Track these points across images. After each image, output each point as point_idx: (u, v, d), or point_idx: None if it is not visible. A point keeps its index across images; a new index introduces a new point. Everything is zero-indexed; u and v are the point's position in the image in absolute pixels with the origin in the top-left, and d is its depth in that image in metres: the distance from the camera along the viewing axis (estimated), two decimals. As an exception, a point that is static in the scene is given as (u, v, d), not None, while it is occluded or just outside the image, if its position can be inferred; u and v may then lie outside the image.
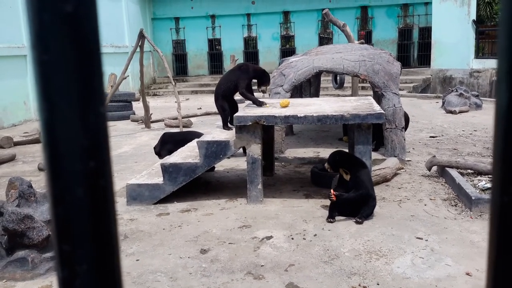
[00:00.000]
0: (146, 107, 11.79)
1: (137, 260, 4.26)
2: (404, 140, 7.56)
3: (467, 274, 3.80)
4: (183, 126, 10.79)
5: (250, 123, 5.52)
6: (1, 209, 4.07)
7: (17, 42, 13.57)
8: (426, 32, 21.72)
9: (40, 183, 6.84)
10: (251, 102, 6.40)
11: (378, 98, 7.64)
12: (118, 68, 13.02)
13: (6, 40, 13.05)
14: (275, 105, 6.33)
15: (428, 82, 19.18)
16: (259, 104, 6.29)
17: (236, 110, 6.38)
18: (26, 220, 3.98)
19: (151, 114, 12.15)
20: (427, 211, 5.25)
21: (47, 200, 4.24)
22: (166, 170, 5.74)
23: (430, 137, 9.46)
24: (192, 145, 6.47)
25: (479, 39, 17.97)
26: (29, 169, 7.96)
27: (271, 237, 4.68)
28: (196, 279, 3.87)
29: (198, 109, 14.74)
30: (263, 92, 6.50)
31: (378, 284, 3.68)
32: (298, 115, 5.55)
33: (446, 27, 17.69)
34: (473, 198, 5.14)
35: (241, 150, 5.94)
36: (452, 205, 5.41)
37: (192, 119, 12.49)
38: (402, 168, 6.93)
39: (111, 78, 13.79)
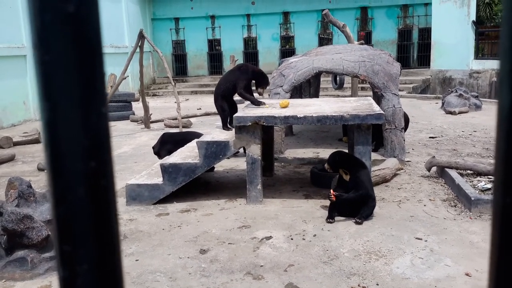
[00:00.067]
0: (146, 108, 11.79)
1: (137, 260, 4.26)
2: (404, 140, 7.56)
3: (467, 274, 3.80)
4: (183, 127, 10.78)
5: (250, 124, 5.52)
6: (1, 209, 4.06)
7: (17, 42, 13.56)
8: (425, 33, 21.73)
9: (39, 183, 6.83)
10: (250, 102, 6.41)
11: (378, 98, 7.64)
12: (118, 68, 13.02)
13: (6, 40, 13.05)
14: (275, 106, 6.33)
15: (427, 82, 19.19)
16: (258, 104, 6.29)
17: (236, 110, 6.39)
18: (26, 220, 3.98)
19: (151, 114, 12.15)
20: (426, 212, 5.25)
21: (46, 200, 4.25)
22: (166, 170, 5.73)
23: (430, 137, 9.46)
24: (192, 145, 6.47)
25: (479, 40, 17.99)
26: (29, 169, 7.95)
27: (270, 237, 4.68)
28: (195, 279, 3.86)
29: (197, 109, 14.74)
30: (260, 94, 6.49)
31: (377, 285, 3.68)
32: (298, 116, 5.55)
33: (446, 28, 17.70)
34: (472, 198, 5.14)
35: (242, 150, 5.94)
36: (451, 206, 5.41)
37: (192, 120, 12.49)
38: (402, 169, 6.93)
39: (111, 78, 13.79)
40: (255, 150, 5.59)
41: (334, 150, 5.84)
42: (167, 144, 7.16)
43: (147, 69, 19.99)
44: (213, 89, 7.26)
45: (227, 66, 20.67)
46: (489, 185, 5.71)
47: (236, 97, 6.69)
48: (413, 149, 8.37)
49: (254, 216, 5.28)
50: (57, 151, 0.44)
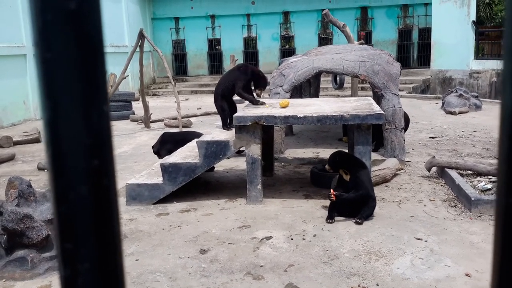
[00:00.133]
0: (146, 107, 11.79)
1: (137, 260, 4.26)
2: (404, 140, 7.56)
3: (467, 275, 3.80)
4: (183, 126, 10.78)
5: (250, 123, 5.52)
6: (1, 209, 4.06)
7: (17, 41, 13.56)
8: (426, 33, 21.73)
9: (39, 182, 6.83)
10: (248, 102, 6.42)
11: (378, 98, 7.64)
12: (118, 68, 13.02)
13: (6, 39, 13.04)
14: (275, 106, 6.33)
15: (427, 82, 19.19)
16: (256, 103, 6.30)
17: (235, 110, 6.39)
18: (26, 220, 3.98)
19: (151, 114, 12.15)
20: (426, 212, 5.25)
21: (46, 199, 4.25)
22: (166, 170, 5.73)
23: (430, 137, 9.46)
24: (192, 145, 6.47)
25: (479, 40, 17.99)
26: (29, 169, 7.95)
27: (270, 237, 4.67)
28: (195, 279, 3.86)
29: (197, 109, 14.74)
30: (258, 95, 6.48)
31: (377, 285, 3.67)
32: (298, 116, 5.55)
33: (446, 28, 17.70)
34: (472, 199, 5.14)
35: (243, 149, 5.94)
36: (451, 206, 5.41)
37: (192, 119, 12.49)
38: (402, 169, 6.93)
39: (111, 78, 13.80)
40: (255, 150, 5.59)
41: (334, 150, 5.84)
42: (167, 143, 7.16)
43: (147, 69, 19.99)
44: (213, 88, 7.26)
45: (227, 65, 20.67)
46: (489, 186, 5.71)
47: (236, 97, 6.70)
48: (413, 149, 8.37)
49: (254, 216, 5.28)
50: (58, 150, 0.44)
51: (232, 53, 20.40)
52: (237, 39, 23.71)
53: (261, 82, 6.43)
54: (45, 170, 7.57)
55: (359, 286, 3.67)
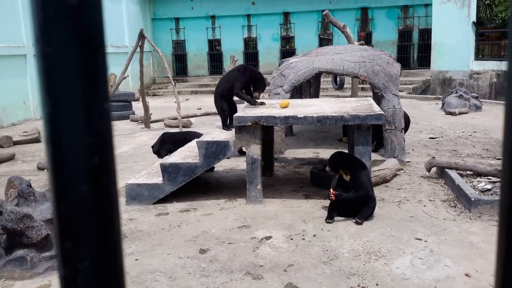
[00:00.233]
0: (146, 107, 11.78)
1: (136, 259, 4.26)
2: (404, 141, 7.56)
3: (466, 275, 3.80)
4: (183, 126, 10.78)
5: (250, 124, 5.52)
6: (0, 208, 4.06)
7: (17, 41, 13.55)
8: (426, 34, 21.73)
9: (39, 182, 6.83)
10: (246, 102, 6.42)
11: (378, 99, 7.64)
12: (118, 68, 13.02)
13: (6, 39, 13.04)
14: (275, 106, 6.33)
15: (428, 83, 19.19)
16: (253, 103, 6.30)
17: (235, 110, 6.40)
18: (25, 219, 3.98)
19: (151, 114, 12.14)
20: (426, 212, 5.25)
21: (46, 199, 4.24)
22: (166, 170, 5.73)
23: (430, 138, 9.46)
24: (192, 145, 6.47)
25: (479, 41, 17.98)
26: (28, 169, 7.95)
27: (270, 237, 4.67)
28: (195, 279, 3.86)
29: (197, 109, 14.73)
30: (256, 97, 6.46)
31: (377, 285, 3.67)
32: (298, 116, 5.55)
33: (446, 28, 17.70)
34: (472, 199, 5.14)
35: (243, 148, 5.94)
36: (451, 206, 5.41)
37: (192, 119, 12.49)
38: (402, 169, 6.93)
39: (111, 78, 13.79)
40: (255, 150, 5.59)
41: (334, 150, 5.83)
42: (167, 143, 7.17)
43: (147, 69, 19.99)
44: (213, 89, 7.26)
45: (227, 66, 20.68)
46: (489, 186, 5.71)
47: (236, 98, 6.70)
48: (413, 150, 8.36)
49: (254, 216, 5.27)
50: (58, 148, 0.44)
51: (232, 53, 20.40)
52: (237, 40, 23.70)
53: (259, 84, 6.43)
54: (45, 170, 7.57)
55: (358, 286, 3.67)
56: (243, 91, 6.41)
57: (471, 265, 3.95)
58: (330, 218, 5.01)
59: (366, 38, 22.01)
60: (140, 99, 12.21)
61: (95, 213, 0.45)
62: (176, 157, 6.06)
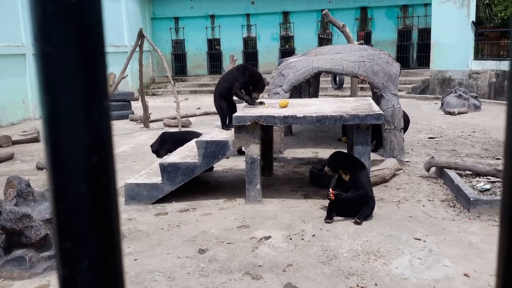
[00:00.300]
0: (145, 107, 11.78)
1: (135, 259, 4.25)
2: (403, 141, 7.56)
3: (465, 275, 3.80)
4: (182, 126, 10.78)
5: (249, 123, 5.51)
6: (-1, 208, 4.05)
7: (16, 40, 13.54)
8: (425, 33, 21.74)
9: (38, 182, 6.82)
10: (245, 102, 6.41)
11: (377, 99, 7.64)
12: (117, 67, 13.01)
13: (5, 38, 13.02)
14: (274, 105, 6.33)
15: (427, 83, 19.20)
16: (252, 103, 6.29)
17: (235, 110, 6.39)
18: (24, 219, 3.97)
19: (150, 113, 12.14)
20: (425, 212, 5.25)
21: (45, 199, 4.24)
22: (165, 169, 5.73)
23: (429, 138, 9.46)
24: (191, 144, 6.46)
25: (478, 40, 18.00)
26: (27, 168, 7.94)
27: (269, 237, 4.67)
28: (194, 279, 3.86)
29: (197, 109, 14.73)
30: (255, 98, 6.43)
31: (376, 285, 3.67)
32: (297, 116, 5.55)
33: (446, 28, 17.71)
34: (471, 199, 5.14)
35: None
36: (450, 206, 5.41)
37: (191, 119, 12.48)
38: (401, 169, 6.93)
39: (110, 77, 13.79)
40: (254, 149, 5.59)
41: (333, 150, 5.84)
42: (166, 143, 7.16)
43: (146, 69, 19.97)
44: (213, 88, 7.26)
45: (227, 65, 20.66)
46: (488, 186, 5.71)
47: (236, 97, 6.70)
48: (412, 150, 8.37)
49: (253, 216, 5.27)
50: (57, 147, 0.43)
51: (232, 53, 20.39)
52: (237, 39, 23.70)
53: (258, 84, 6.41)
54: (44, 170, 7.56)
55: (357, 286, 3.66)
56: (242, 91, 6.40)
57: (470, 265, 3.95)
58: (329, 218, 5.01)
59: (366, 38, 22.01)
60: (139, 99, 12.20)
61: (95, 213, 0.45)
62: (175, 156, 6.06)
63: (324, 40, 22.97)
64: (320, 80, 12.24)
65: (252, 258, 4.19)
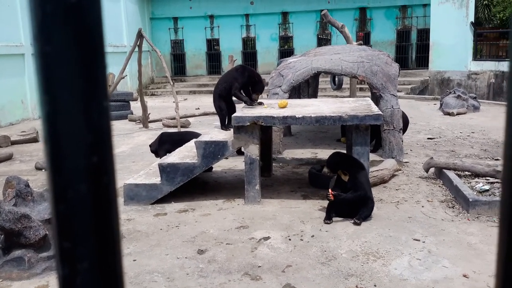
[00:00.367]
0: (144, 107, 11.77)
1: (134, 260, 4.25)
2: (402, 141, 7.56)
3: (464, 276, 3.80)
4: (181, 126, 10.77)
5: (248, 124, 5.51)
6: (-2, 208, 4.05)
7: (15, 40, 13.53)
8: (424, 34, 21.76)
9: (37, 182, 6.82)
10: (243, 103, 6.41)
11: (376, 99, 7.64)
12: (116, 67, 13.01)
13: (4, 38, 13.02)
14: (273, 106, 6.33)
15: (426, 83, 19.21)
16: (251, 104, 6.29)
17: (234, 110, 6.39)
18: (23, 220, 3.97)
19: (149, 114, 12.13)
20: (424, 213, 5.25)
21: (44, 199, 4.23)
22: (164, 170, 5.72)
23: (428, 138, 9.46)
24: (190, 145, 6.46)
25: (477, 41, 18.01)
26: (26, 168, 7.93)
27: (268, 238, 4.67)
28: (193, 279, 3.86)
29: (196, 109, 14.72)
30: (255, 99, 6.41)
31: (375, 286, 3.67)
32: (296, 116, 5.55)
33: (444, 29, 17.72)
34: (470, 200, 5.14)
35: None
36: (449, 207, 5.41)
37: (190, 119, 12.48)
38: (400, 170, 6.93)
39: (109, 77, 13.77)
40: (253, 150, 5.59)
41: (333, 150, 5.84)
42: (166, 143, 7.16)
43: (145, 69, 19.97)
44: (212, 89, 7.25)
45: (226, 66, 20.66)
46: (487, 187, 5.71)
47: (235, 98, 6.69)
48: (411, 150, 8.37)
49: (252, 217, 5.27)
50: (57, 147, 0.43)
51: (231, 53, 20.39)
52: (236, 39, 23.71)
53: (258, 86, 6.40)
54: (43, 170, 7.56)
55: (356, 287, 3.66)
56: (242, 91, 6.40)
57: (469, 266, 3.95)
58: (328, 219, 5.01)
59: (365, 38, 22.02)
60: (138, 99, 12.19)
61: (94, 213, 0.45)
62: (174, 157, 6.06)
63: (323, 40, 22.98)
64: (319, 80, 12.24)
65: (251, 259, 4.19)
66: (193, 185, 6.24)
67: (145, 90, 17.51)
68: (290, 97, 7.91)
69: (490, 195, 5.52)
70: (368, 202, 5.02)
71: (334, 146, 8.57)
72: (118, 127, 12.02)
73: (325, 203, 5.19)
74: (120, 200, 5.79)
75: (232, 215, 5.36)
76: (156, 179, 5.82)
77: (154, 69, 23.45)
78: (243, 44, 23.93)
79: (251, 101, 6.32)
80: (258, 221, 5.13)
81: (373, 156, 7.16)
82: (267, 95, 8.16)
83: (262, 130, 5.96)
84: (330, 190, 4.99)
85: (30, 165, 8.08)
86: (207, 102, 14.89)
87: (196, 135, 6.98)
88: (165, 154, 6.65)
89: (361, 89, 17.26)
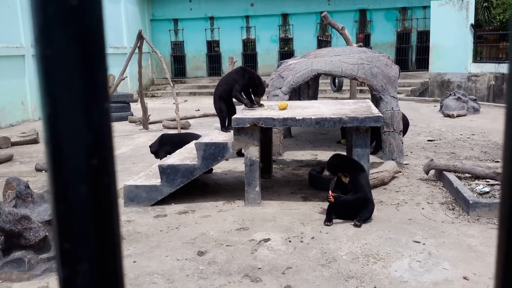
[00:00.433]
0: (144, 108, 11.78)
1: (134, 261, 4.25)
2: (402, 143, 7.56)
3: (464, 278, 3.80)
4: (181, 128, 10.77)
5: (248, 125, 5.51)
6: (-2, 209, 4.05)
7: (16, 42, 13.54)
8: (424, 36, 21.77)
9: (37, 183, 6.82)
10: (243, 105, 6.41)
11: (376, 101, 7.64)
12: (116, 69, 13.02)
13: (4, 40, 13.03)
14: (273, 108, 6.33)
15: (426, 85, 19.21)
16: (250, 106, 6.28)
17: (234, 112, 6.39)
18: (23, 221, 3.96)
19: (149, 115, 12.14)
20: (424, 215, 5.25)
21: (44, 200, 4.23)
22: (164, 171, 5.72)
23: (428, 140, 9.46)
24: (190, 146, 6.46)
25: (477, 43, 18.03)
26: (27, 170, 7.93)
27: (268, 239, 4.67)
28: (193, 281, 3.85)
29: (196, 110, 14.73)
30: (257, 102, 6.39)
31: (375, 288, 3.67)
32: (297, 118, 5.55)
33: (444, 31, 17.74)
34: (470, 202, 5.14)
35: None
36: (449, 209, 5.41)
37: (190, 121, 12.48)
38: (400, 172, 6.93)
39: (110, 79, 13.77)
40: (254, 152, 5.59)
41: (333, 152, 5.84)
42: (166, 145, 7.16)
43: (145, 70, 19.98)
44: (212, 90, 7.26)
45: (226, 67, 20.66)
46: (487, 189, 5.71)
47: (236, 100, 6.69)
48: (411, 152, 8.37)
49: (252, 218, 5.27)
50: (58, 148, 0.43)
51: (231, 55, 20.37)
52: (236, 41, 23.72)
53: (259, 89, 6.39)
54: (43, 171, 7.56)
55: (357, 288, 3.66)
56: (242, 93, 6.39)
57: (469, 268, 3.95)
58: (328, 221, 5.01)
59: (365, 40, 22.03)
60: (139, 100, 12.20)
61: (95, 214, 0.45)
62: (175, 158, 6.06)
63: (323, 42, 22.99)
64: (319, 82, 12.25)
65: (251, 261, 4.19)
66: (193, 187, 6.24)
67: (145, 91, 17.53)
68: (290, 98, 7.91)
69: (490, 197, 5.52)
70: (368, 204, 5.02)
71: (334, 148, 8.57)
72: (118, 128, 12.02)
73: (325, 205, 5.19)
74: (120, 201, 5.78)
75: (232, 216, 5.36)
76: (156, 181, 5.82)
77: (154, 70, 23.46)
78: (243, 46, 23.94)
79: (252, 104, 6.31)
80: (258, 223, 5.12)
81: (373, 158, 7.16)
82: (267, 97, 8.16)
83: (262, 132, 5.96)
84: (330, 192, 4.99)
85: (30, 167, 8.09)
86: (207, 104, 14.90)
87: (196, 136, 6.98)
88: (165, 156, 6.65)
89: (361, 91, 17.26)
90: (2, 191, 4.40)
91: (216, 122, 7.45)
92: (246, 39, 23.90)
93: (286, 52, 23.23)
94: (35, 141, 10.28)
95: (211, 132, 6.57)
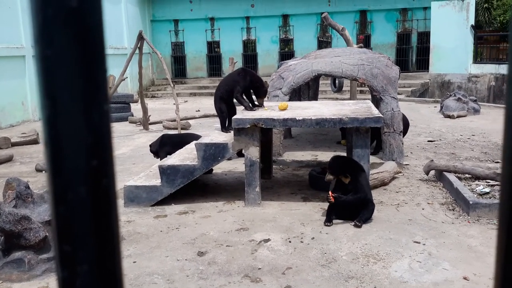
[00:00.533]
0: (145, 109, 11.78)
1: (134, 262, 4.25)
2: (402, 144, 7.56)
3: (465, 278, 3.80)
4: (182, 128, 10.77)
5: (249, 126, 5.52)
6: (-2, 210, 4.05)
7: (16, 42, 13.55)
8: (424, 37, 21.77)
9: (37, 184, 6.82)
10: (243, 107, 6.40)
11: (377, 102, 7.64)
12: (117, 69, 13.02)
13: (5, 40, 13.03)
14: (274, 108, 6.33)
15: (426, 86, 19.21)
16: (250, 109, 6.27)
17: (234, 113, 6.39)
18: (23, 221, 3.97)
19: (149, 116, 12.14)
20: (424, 215, 5.25)
21: (44, 201, 4.23)
22: (164, 172, 5.72)
23: (428, 141, 9.46)
24: (190, 147, 6.46)
25: (478, 44, 18.02)
26: (27, 170, 7.93)
27: (268, 240, 4.67)
28: (193, 281, 3.85)
29: (196, 111, 14.74)
30: (259, 104, 6.37)
31: (375, 288, 3.67)
32: (297, 118, 5.55)
33: (445, 32, 17.73)
34: (470, 202, 5.14)
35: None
36: (449, 210, 5.41)
37: (191, 121, 12.49)
38: (400, 172, 6.93)
39: (110, 79, 13.77)
40: (254, 152, 5.59)
41: (333, 153, 5.84)
42: (166, 145, 7.16)
43: (146, 71, 19.98)
44: (212, 91, 7.26)
45: (226, 68, 20.67)
46: (487, 189, 5.71)
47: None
48: (411, 153, 8.37)
49: (252, 219, 5.27)
50: (57, 149, 0.43)
51: (231, 55, 20.37)
52: (236, 42, 23.72)
53: (260, 90, 6.39)
54: (43, 172, 7.56)
55: (357, 289, 3.66)
56: (243, 95, 6.38)
57: (469, 269, 3.95)
58: (328, 221, 5.01)
59: (365, 41, 22.03)
60: (139, 101, 12.20)
61: (94, 215, 0.45)
62: (175, 159, 6.06)
63: (323, 43, 22.99)
64: (320, 83, 12.25)
65: (251, 261, 4.19)
66: (193, 187, 6.24)
67: (145, 92, 17.53)
68: (290, 99, 7.91)
69: (490, 197, 5.52)
70: (369, 204, 5.02)
71: (334, 148, 8.57)
72: (118, 129, 12.03)
73: (326, 205, 5.19)
74: (120, 202, 5.79)
75: (232, 217, 5.36)
76: (156, 181, 5.82)
77: (154, 71, 23.47)
78: (244, 47, 23.94)
79: (252, 107, 6.30)
80: (258, 223, 5.12)
81: (373, 159, 7.16)
82: (268, 98, 8.16)
83: (263, 132, 5.96)
84: (330, 192, 4.98)
85: (31, 167, 8.09)
86: (207, 104, 14.91)
87: (197, 137, 6.98)
88: (166, 156, 6.65)
89: (361, 92, 17.26)
90: (2, 192, 4.40)
91: (216, 122, 7.45)
92: (247, 40, 23.90)
93: (286, 53, 23.22)
94: (35, 142, 10.28)
95: (211, 132, 6.58)
